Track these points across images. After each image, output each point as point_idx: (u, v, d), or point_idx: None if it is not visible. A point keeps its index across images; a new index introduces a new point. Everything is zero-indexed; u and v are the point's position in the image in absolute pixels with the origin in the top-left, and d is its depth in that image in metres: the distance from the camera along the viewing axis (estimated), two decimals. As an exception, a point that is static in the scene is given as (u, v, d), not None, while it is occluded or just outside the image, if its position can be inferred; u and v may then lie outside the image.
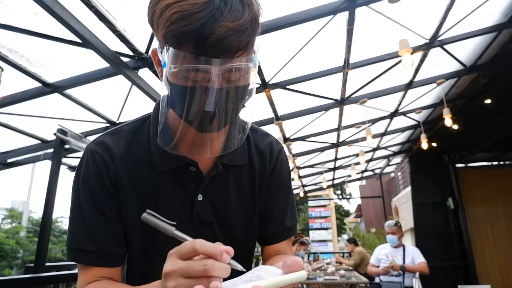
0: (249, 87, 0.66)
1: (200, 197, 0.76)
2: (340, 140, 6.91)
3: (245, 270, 0.53)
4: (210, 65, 0.57)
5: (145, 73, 3.46)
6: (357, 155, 7.32)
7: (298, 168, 8.46)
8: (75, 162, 5.67)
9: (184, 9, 0.55)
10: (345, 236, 26.43)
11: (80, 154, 5.08)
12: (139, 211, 0.73)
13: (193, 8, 0.55)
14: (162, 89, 0.65)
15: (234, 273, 0.58)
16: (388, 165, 10.42)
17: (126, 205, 0.74)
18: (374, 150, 8.21)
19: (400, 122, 6.63)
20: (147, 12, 0.62)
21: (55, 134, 3.79)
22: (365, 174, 11.97)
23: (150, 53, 0.70)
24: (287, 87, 4.32)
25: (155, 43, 0.67)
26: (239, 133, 0.72)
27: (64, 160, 5.23)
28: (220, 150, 0.75)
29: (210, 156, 0.74)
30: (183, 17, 0.55)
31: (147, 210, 0.58)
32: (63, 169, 4.22)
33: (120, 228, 0.75)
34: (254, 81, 0.66)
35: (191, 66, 0.57)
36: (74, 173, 0.78)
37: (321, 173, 9.78)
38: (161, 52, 0.63)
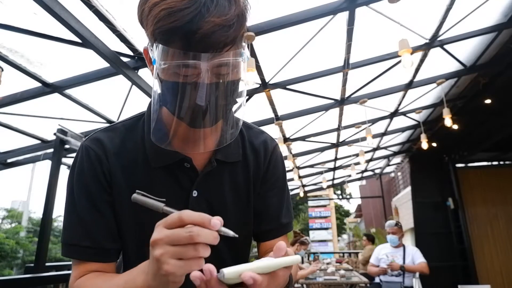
0: (239, 82, 0.66)
1: (194, 193, 0.77)
2: (340, 140, 6.91)
3: (237, 236, 0.53)
4: (198, 60, 0.58)
5: (145, 73, 3.47)
6: (357, 155, 7.32)
7: (298, 168, 8.46)
8: (75, 162, 5.66)
9: (171, 6, 0.56)
10: (345, 236, 26.46)
11: (80, 154, 5.07)
12: (132, 208, 0.73)
13: (180, 5, 0.56)
14: (153, 86, 0.66)
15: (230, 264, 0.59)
16: (388, 165, 10.42)
17: (120, 201, 0.75)
18: (374, 150, 8.21)
19: (400, 122, 6.63)
20: (137, 11, 0.64)
21: (55, 134, 3.79)
22: (365, 174, 11.97)
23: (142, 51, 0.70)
24: (287, 87, 4.32)
25: (146, 42, 0.67)
26: (232, 128, 0.72)
27: (64, 160, 5.23)
28: (214, 145, 0.75)
29: (203, 151, 0.74)
30: (170, 13, 0.56)
31: (137, 191, 0.58)
32: (63, 169, 4.21)
33: (114, 224, 0.75)
34: (244, 75, 0.67)
35: (180, 62, 0.59)
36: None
37: (321, 173, 9.78)
38: (151, 50, 0.64)
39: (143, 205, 0.57)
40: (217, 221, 0.50)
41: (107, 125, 0.82)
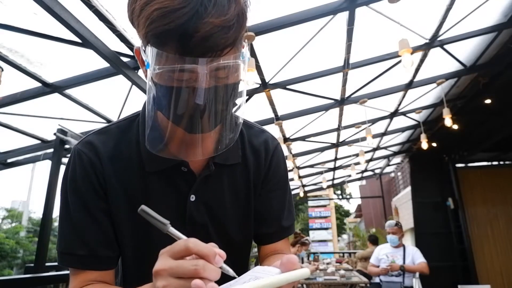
0: (239, 85, 0.63)
1: (192, 198, 0.74)
2: (340, 140, 6.91)
3: (236, 276, 0.51)
4: (196, 64, 0.54)
5: (145, 73, 3.46)
6: (357, 155, 7.32)
7: (298, 168, 8.46)
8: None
9: (165, 5, 0.51)
10: (345, 236, 26.46)
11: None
12: (129, 213, 0.71)
13: (174, 4, 0.51)
14: (147, 90, 0.61)
15: (229, 277, 0.56)
16: (388, 165, 10.42)
17: (116, 207, 0.72)
18: (374, 150, 8.21)
19: (400, 122, 6.63)
20: (127, 10, 0.58)
21: (55, 134, 3.79)
22: (365, 174, 11.97)
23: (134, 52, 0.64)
24: (287, 87, 4.32)
25: (138, 42, 0.63)
26: (231, 132, 0.67)
27: (64, 160, 5.22)
28: (212, 150, 0.71)
29: (202, 158, 0.71)
30: (164, 14, 0.51)
31: (142, 207, 0.54)
32: (63, 169, 4.21)
33: (110, 231, 0.72)
34: (244, 78, 0.63)
35: (176, 66, 0.54)
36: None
37: (321, 173, 9.78)
38: (144, 52, 0.59)
39: (150, 219, 0.55)
40: (220, 258, 0.49)
41: (103, 125, 0.79)
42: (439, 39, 3.92)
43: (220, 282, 0.50)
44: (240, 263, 0.84)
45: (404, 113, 6.04)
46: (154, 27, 0.53)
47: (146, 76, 0.61)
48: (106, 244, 0.72)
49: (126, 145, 0.74)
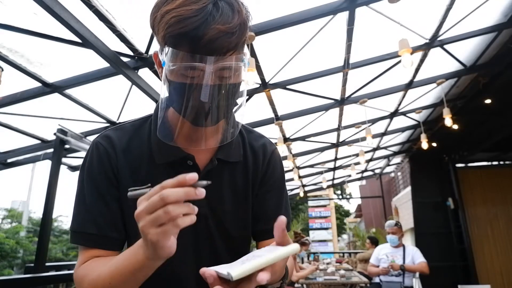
0: (240, 85, 0.73)
1: None
2: (340, 140, 6.91)
3: (210, 182, 0.55)
4: (203, 63, 0.65)
5: (145, 73, 3.47)
6: (357, 155, 7.32)
7: (298, 168, 8.46)
8: (75, 162, 5.68)
9: (181, 14, 0.63)
10: (345, 236, 26.46)
11: (80, 154, 5.09)
12: (135, 203, 0.77)
13: (189, 13, 0.63)
14: (161, 87, 0.72)
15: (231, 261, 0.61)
16: (388, 165, 10.42)
17: (125, 196, 0.78)
18: (374, 150, 8.21)
19: (400, 122, 6.63)
20: (150, 18, 0.71)
21: (55, 134, 3.79)
22: (365, 174, 11.97)
23: (152, 54, 0.85)
24: (287, 87, 4.32)
25: (156, 47, 0.75)
26: (232, 128, 0.79)
27: (64, 160, 5.24)
28: (214, 143, 0.81)
29: (205, 148, 0.80)
30: (179, 20, 0.63)
31: (129, 189, 0.62)
32: (63, 169, 4.22)
33: (119, 216, 0.81)
34: (244, 79, 0.73)
35: (186, 64, 0.65)
36: (78, 168, 0.83)
37: (321, 173, 9.78)
38: (161, 53, 0.70)
39: (138, 196, 0.59)
40: (191, 175, 0.53)
41: (111, 127, 0.88)
42: (439, 39, 3.92)
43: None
44: (238, 258, 0.87)
45: (404, 113, 6.04)
46: (171, 30, 0.65)
47: (161, 76, 0.72)
48: (114, 227, 0.80)
49: (138, 140, 0.84)
